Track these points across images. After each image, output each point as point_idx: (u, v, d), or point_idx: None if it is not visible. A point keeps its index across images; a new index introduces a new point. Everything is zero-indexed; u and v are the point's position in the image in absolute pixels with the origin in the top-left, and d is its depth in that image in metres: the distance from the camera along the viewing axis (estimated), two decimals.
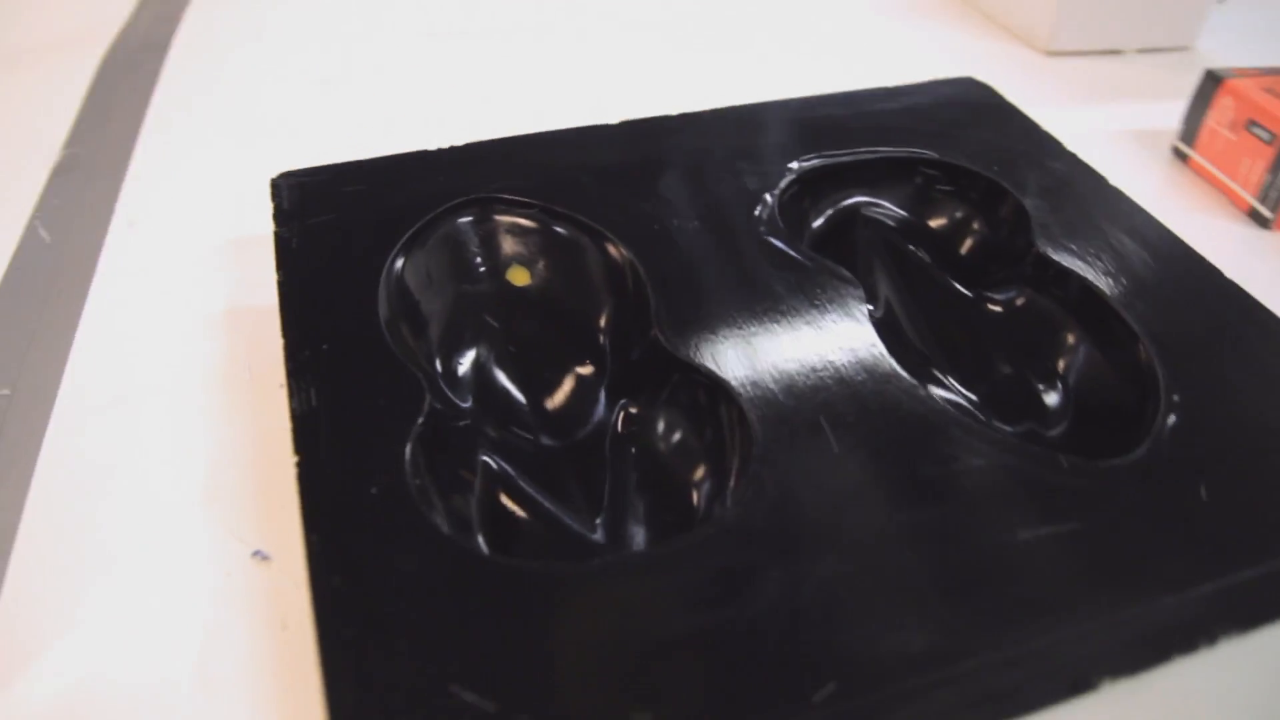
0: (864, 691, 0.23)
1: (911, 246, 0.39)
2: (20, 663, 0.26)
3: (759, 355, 0.31)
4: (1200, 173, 0.50)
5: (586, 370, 0.34)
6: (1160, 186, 0.50)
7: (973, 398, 0.34)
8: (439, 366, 0.33)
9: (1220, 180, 0.49)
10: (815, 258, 0.35)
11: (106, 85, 0.54)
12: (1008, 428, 0.32)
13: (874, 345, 0.31)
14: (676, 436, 0.31)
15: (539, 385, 0.34)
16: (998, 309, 0.37)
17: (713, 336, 0.31)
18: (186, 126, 0.50)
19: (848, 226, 0.39)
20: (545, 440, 0.32)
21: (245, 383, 0.34)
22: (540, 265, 0.37)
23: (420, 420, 0.28)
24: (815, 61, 0.59)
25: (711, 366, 0.30)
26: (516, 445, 0.32)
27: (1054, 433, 0.33)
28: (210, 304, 0.38)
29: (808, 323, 0.32)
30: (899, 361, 0.31)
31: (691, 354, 0.31)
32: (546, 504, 0.30)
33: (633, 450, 0.31)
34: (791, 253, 0.35)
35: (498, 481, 0.30)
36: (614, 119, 0.41)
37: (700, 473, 0.30)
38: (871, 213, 0.40)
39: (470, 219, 0.36)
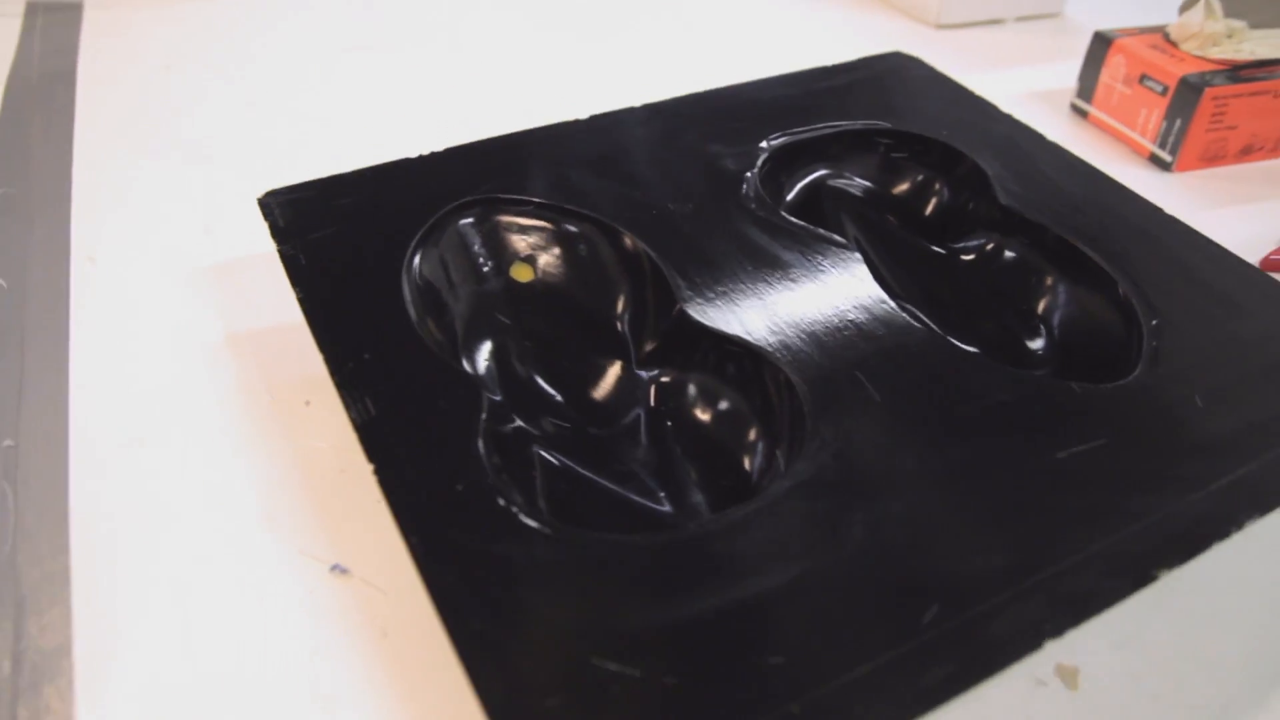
0: (965, 607, 0.25)
1: (879, 213, 0.42)
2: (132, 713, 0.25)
3: (784, 321, 0.32)
4: (1100, 126, 0.55)
5: (609, 356, 0.35)
6: (1066, 141, 0.54)
7: (967, 347, 0.37)
8: (465, 366, 0.34)
9: (1120, 131, 0.54)
10: (808, 227, 0.37)
11: (16, 120, 0.51)
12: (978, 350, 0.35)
13: (884, 301, 0.34)
14: (715, 404, 0.33)
15: (565, 377, 0.35)
16: (969, 258, 0.40)
17: (737, 307, 0.33)
18: (120, 156, 0.48)
19: (817, 199, 0.42)
20: (586, 428, 0.33)
21: (268, 405, 0.34)
22: (544, 260, 0.37)
23: (484, 416, 0.29)
24: (723, 49, 0.61)
25: (744, 335, 0.32)
26: (561, 437, 0.33)
27: (1045, 368, 0.36)
28: (205, 331, 0.37)
29: (820, 286, 0.34)
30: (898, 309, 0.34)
31: (721, 325, 0.32)
32: (608, 485, 0.31)
33: (669, 424, 0.33)
34: (787, 224, 0.37)
35: (555, 472, 0.31)
36: (547, 119, 0.42)
37: (750, 435, 0.31)
38: (837, 184, 0.42)
39: (471, 220, 0.37)
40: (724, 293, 0.33)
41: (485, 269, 0.37)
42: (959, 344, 0.36)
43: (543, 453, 0.31)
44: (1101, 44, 0.54)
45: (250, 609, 0.27)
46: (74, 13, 0.63)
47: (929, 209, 0.42)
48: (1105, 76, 0.54)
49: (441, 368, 0.30)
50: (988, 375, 0.31)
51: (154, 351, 0.36)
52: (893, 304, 0.34)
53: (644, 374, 0.34)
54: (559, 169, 0.39)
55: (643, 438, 0.33)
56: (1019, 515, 0.27)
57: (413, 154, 0.39)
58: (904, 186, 0.42)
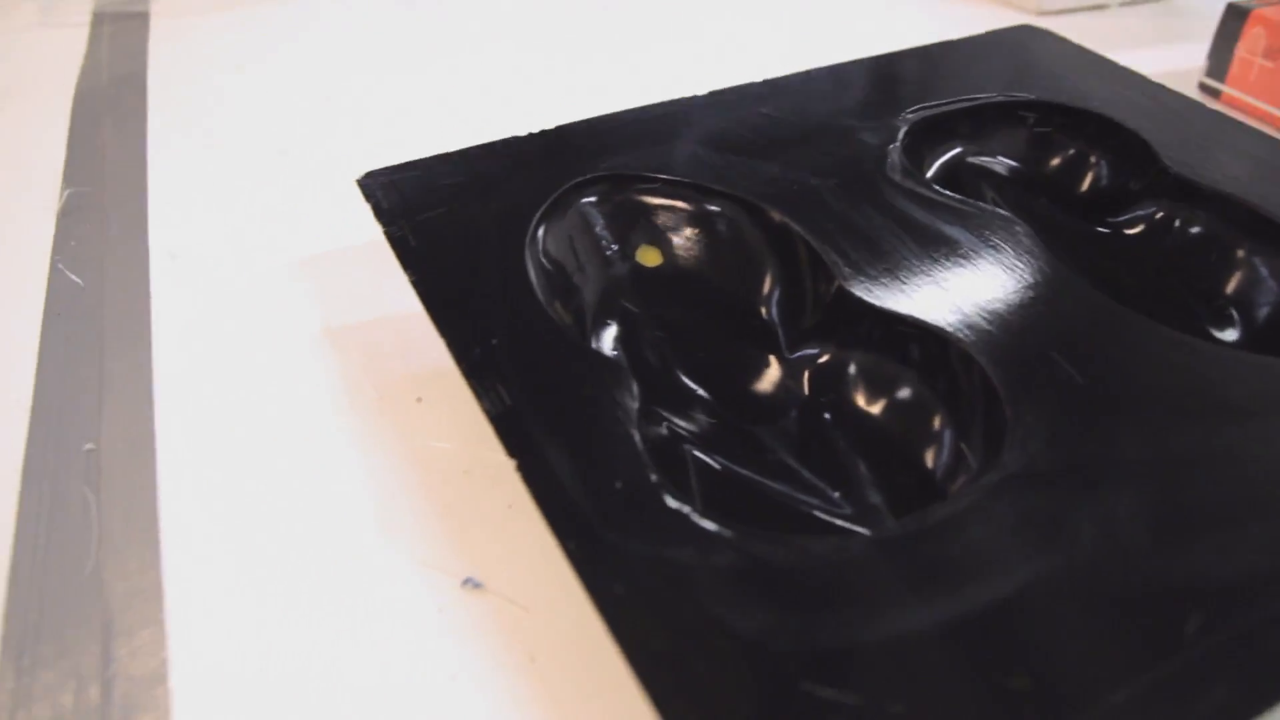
0: (1237, 616, 0.21)
1: (1027, 192, 0.38)
2: None
3: (959, 299, 0.29)
4: (1236, 105, 0.51)
5: (755, 345, 0.31)
6: None
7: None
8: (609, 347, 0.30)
9: (1260, 109, 0.49)
10: (968, 201, 0.33)
11: (88, 123, 0.49)
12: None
13: (1068, 277, 0.30)
14: (887, 391, 0.29)
15: (705, 368, 0.31)
16: (1137, 231, 0.36)
17: (904, 285, 0.29)
18: (196, 154, 0.46)
19: (957, 177, 0.38)
20: (733, 423, 0.30)
21: (374, 402, 0.31)
22: (676, 242, 0.34)
23: (636, 405, 0.25)
24: (810, 39, 0.57)
25: (915, 315, 0.28)
26: (706, 434, 0.29)
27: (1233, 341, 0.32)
28: (299, 327, 0.34)
29: (993, 262, 0.30)
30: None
31: (890, 304, 0.28)
32: (772, 484, 0.27)
33: (828, 415, 0.29)
34: (943, 198, 0.33)
35: (708, 473, 0.27)
36: (655, 98, 0.39)
37: (932, 425, 0.28)
38: (978, 161, 0.38)
39: (594, 199, 0.33)
40: (887, 269, 0.30)
41: (610, 252, 0.33)
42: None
43: (693, 451, 0.28)
44: (1236, 16, 0.50)
45: (372, 630, 0.24)
46: (141, 20, 0.61)
47: (1084, 185, 0.38)
48: (1242, 51, 0.50)
49: (582, 353, 0.27)
50: (1194, 355, 0.27)
51: (244, 348, 0.33)
52: (1077, 279, 0.30)
53: (798, 362, 0.30)
54: (681, 145, 0.35)
55: (801, 431, 0.29)
56: (1268, 510, 0.23)
57: (520, 133, 0.36)
58: (1054, 162, 0.38)
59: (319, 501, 0.27)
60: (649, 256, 0.34)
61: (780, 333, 0.31)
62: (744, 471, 0.27)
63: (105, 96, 0.51)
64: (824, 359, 0.30)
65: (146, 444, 0.30)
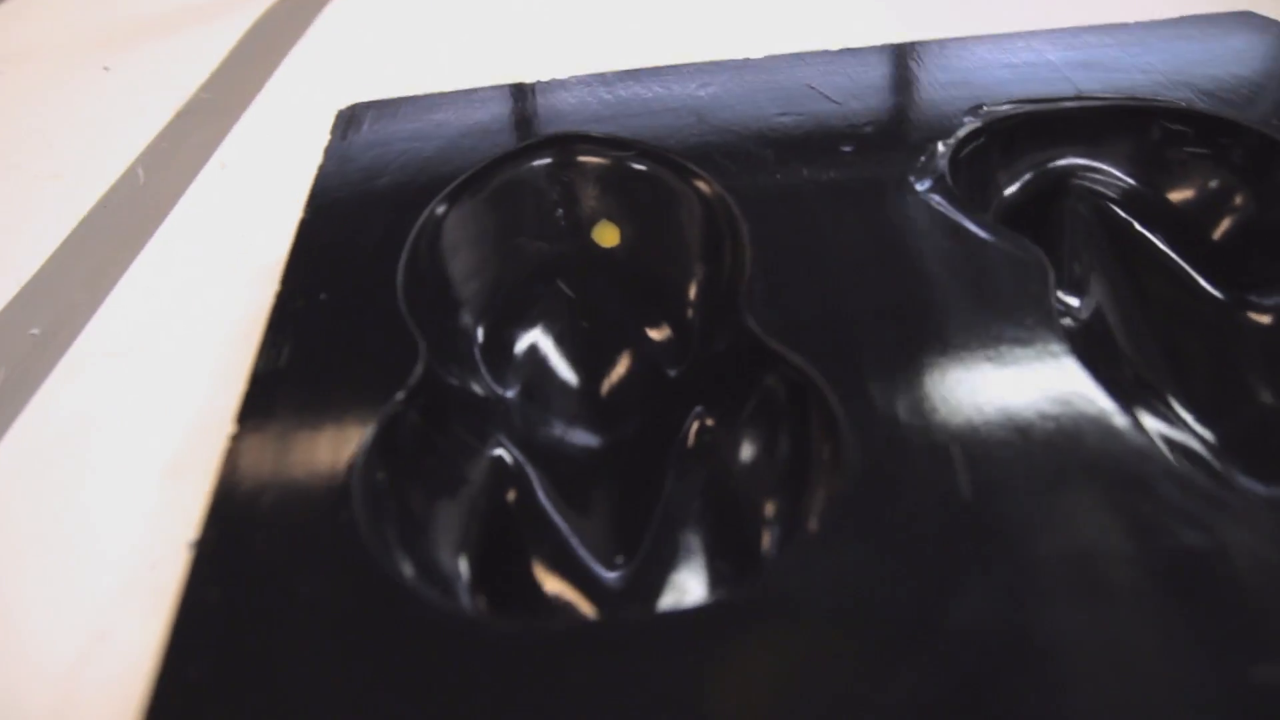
0: None
1: (1141, 227, 0.28)
2: None
3: (888, 354, 0.21)
4: None
5: (665, 355, 0.26)
6: None
7: (1209, 438, 0.23)
8: (481, 336, 0.26)
9: None
10: (995, 228, 0.25)
11: (259, 34, 0.52)
12: (1259, 487, 0.22)
13: (1061, 354, 0.21)
14: (756, 458, 0.22)
15: (602, 367, 0.27)
16: (1264, 319, 0.26)
17: (827, 322, 0.22)
18: (315, 75, 0.47)
19: (1051, 197, 0.29)
20: (588, 436, 0.25)
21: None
22: (635, 222, 0.29)
23: (400, 396, 0.21)
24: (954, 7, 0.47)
25: (805, 359, 0.21)
26: (550, 438, 0.24)
27: None
28: (265, 256, 0.33)
29: (970, 316, 0.22)
30: (1102, 380, 0.21)
31: (788, 341, 0.22)
32: (560, 523, 0.22)
33: (692, 471, 0.23)
34: (961, 220, 0.25)
35: (508, 480, 0.23)
36: (743, 54, 0.33)
37: (770, 504, 0.21)
38: (1088, 180, 0.29)
39: (548, 161, 0.29)
40: (818, 297, 0.23)
41: (553, 225, 0.29)
42: (1193, 432, 0.23)
43: (505, 453, 0.23)
44: None
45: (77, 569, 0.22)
46: None
47: (1219, 230, 0.28)
48: None
49: (395, 328, 0.23)
50: (1186, 495, 0.18)
51: (204, 270, 0.33)
52: (1074, 360, 0.21)
53: (689, 389, 0.25)
54: (683, 114, 0.30)
55: (650, 470, 0.23)
56: None
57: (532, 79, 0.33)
58: (1187, 193, 0.28)
59: (144, 425, 0.26)
60: (606, 235, 0.29)
61: (695, 350, 0.26)
62: (542, 495, 0.23)
63: (289, 11, 0.54)
64: (713, 405, 0.24)
65: (68, 340, 0.30)
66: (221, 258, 0.33)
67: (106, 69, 0.49)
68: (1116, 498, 0.18)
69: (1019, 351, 0.21)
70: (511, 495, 0.23)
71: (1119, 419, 0.19)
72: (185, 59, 0.50)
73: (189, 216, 0.36)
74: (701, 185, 0.27)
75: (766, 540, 0.21)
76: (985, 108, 0.29)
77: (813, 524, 0.19)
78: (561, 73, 0.33)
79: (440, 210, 0.26)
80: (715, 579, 0.21)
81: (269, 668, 0.17)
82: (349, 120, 0.31)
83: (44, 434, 0.27)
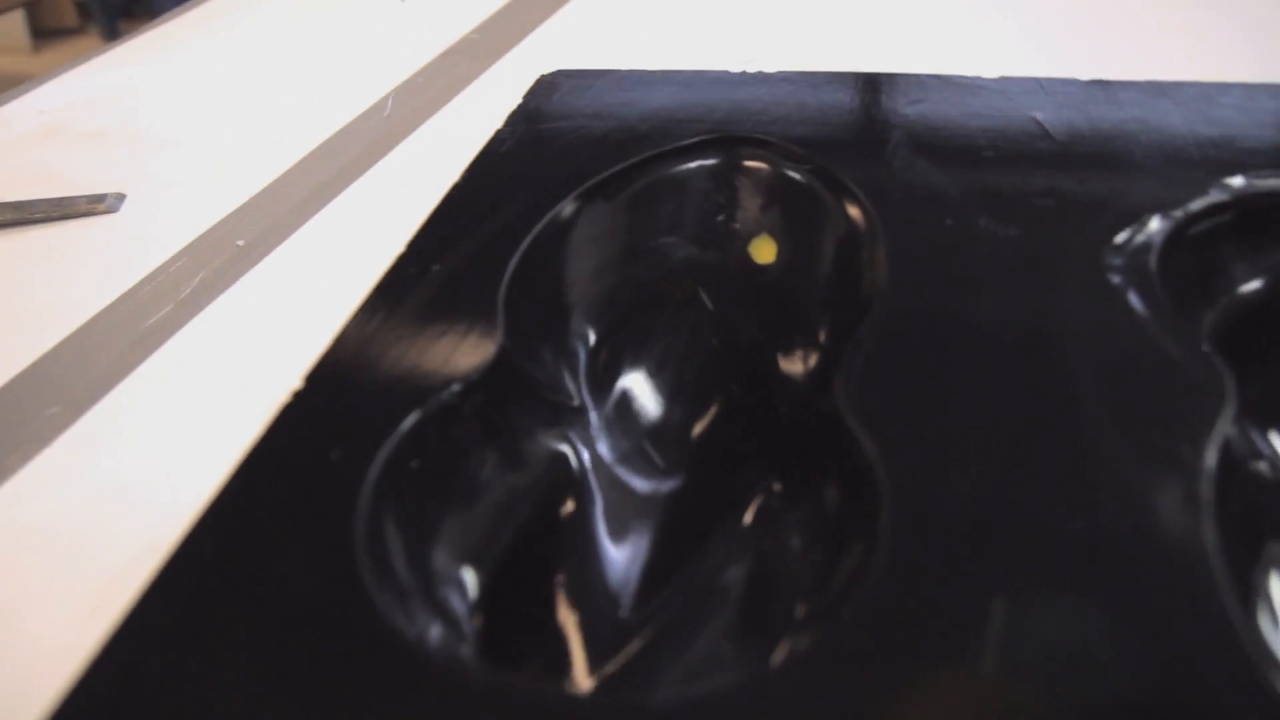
0: None
1: None
2: None
3: (977, 472, 0.18)
4: None
5: (779, 398, 0.24)
6: None
7: None
8: (593, 335, 0.25)
9: None
10: (1194, 346, 0.20)
11: None
12: None
13: (1194, 513, 0.17)
14: (803, 549, 0.20)
15: (710, 396, 0.25)
16: None
17: (929, 414, 0.19)
18: (581, 29, 0.47)
19: None
20: (659, 468, 0.23)
21: None
22: (795, 241, 0.26)
23: (455, 388, 0.21)
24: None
25: (881, 453, 0.18)
26: (624, 461, 0.23)
27: None
28: None
29: (1092, 440, 0.18)
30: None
31: (879, 421, 0.19)
32: (596, 548, 0.21)
33: (742, 541, 0.21)
34: (1154, 325, 0.20)
35: (564, 484, 0.22)
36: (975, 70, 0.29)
37: (796, 601, 0.19)
38: None
39: (715, 161, 0.27)
40: (928, 389, 0.20)
41: (714, 230, 0.27)
42: None
43: (574, 450, 0.22)
44: None
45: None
46: None
47: None
48: None
49: (484, 312, 0.23)
50: None
51: (394, 215, 0.34)
52: (1215, 553, 0.16)
53: (770, 451, 0.22)
54: (889, 132, 0.27)
55: (707, 521, 0.21)
56: None
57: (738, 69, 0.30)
58: None
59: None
60: (763, 250, 0.27)
61: (794, 401, 0.23)
62: (598, 512, 0.21)
63: None
64: (786, 476, 0.21)
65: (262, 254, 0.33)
66: (415, 202, 0.34)
67: (404, 1, 0.52)
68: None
69: (1136, 514, 0.17)
70: (560, 505, 0.22)
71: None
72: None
73: (408, 155, 0.37)
74: (858, 216, 0.24)
75: (778, 638, 0.18)
76: (1246, 176, 0.24)
77: (801, 643, 0.16)
78: (778, 64, 0.31)
79: (569, 208, 0.25)
80: (715, 659, 0.19)
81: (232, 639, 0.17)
82: (546, 87, 0.31)
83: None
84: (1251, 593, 0.18)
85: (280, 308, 0.30)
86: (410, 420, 0.20)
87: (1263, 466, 0.20)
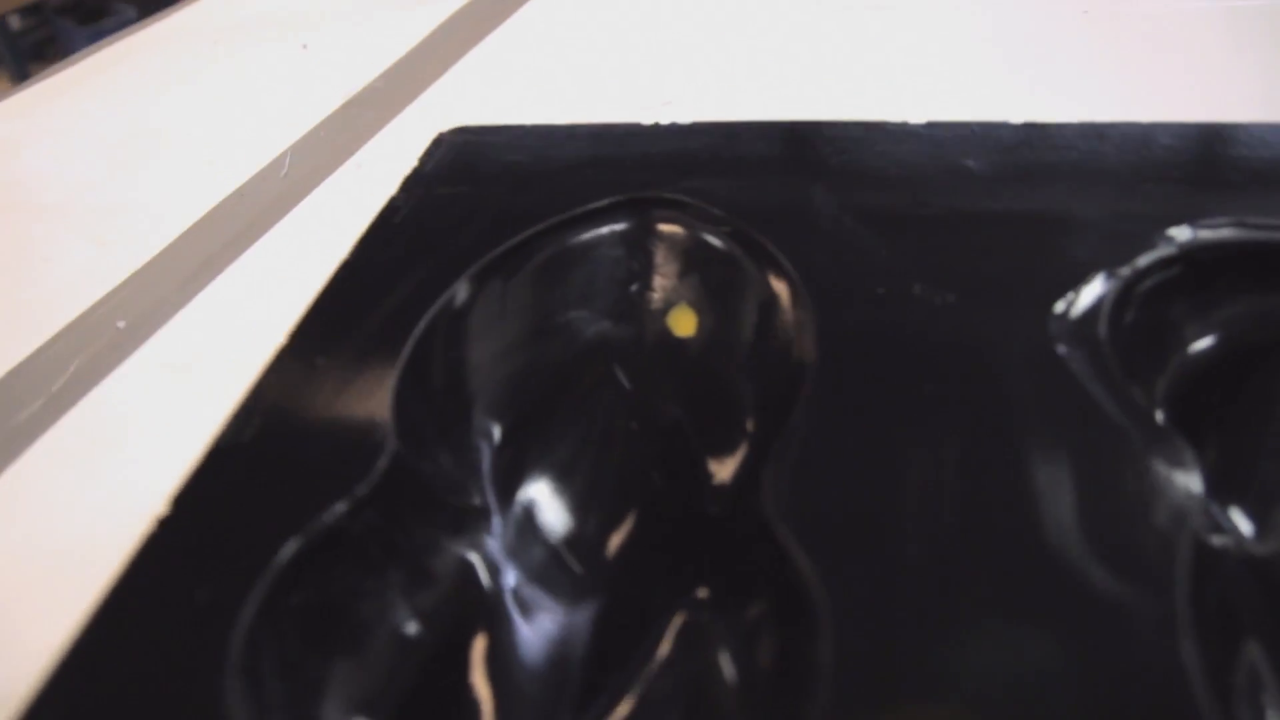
0: None
1: None
2: None
3: (924, 586, 0.16)
4: None
5: (700, 497, 0.22)
6: None
7: None
8: (499, 432, 0.23)
9: None
10: (1144, 418, 0.18)
11: (451, 28, 0.50)
12: None
13: (1166, 628, 0.15)
14: (736, 675, 0.18)
15: (634, 498, 0.22)
16: None
17: (848, 517, 0.17)
18: (490, 73, 0.44)
19: (1267, 362, 0.22)
20: (583, 579, 0.21)
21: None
22: (717, 312, 0.24)
23: (340, 509, 0.18)
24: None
25: (819, 568, 0.16)
26: (538, 569, 0.21)
27: None
28: None
29: (1054, 539, 0.16)
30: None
31: (802, 533, 0.17)
32: (522, 677, 0.19)
33: (672, 665, 0.19)
34: (1092, 389, 0.19)
35: (473, 601, 0.19)
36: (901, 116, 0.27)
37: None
38: None
39: (626, 226, 0.25)
40: (854, 478, 0.18)
41: (627, 302, 0.25)
42: None
43: (478, 561, 0.20)
44: None
45: None
46: None
47: None
48: None
49: (365, 416, 0.20)
50: None
51: (284, 288, 0.31)
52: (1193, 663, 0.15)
53: (694, 553, 0.20)
54: (812, 184, 0.25)
55: (632, 637, 0.19)
56: None
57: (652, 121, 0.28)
58: None
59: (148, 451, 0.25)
60: (682, 322, 0.25)
61: (724, 500, 0.21)
62: (514, 632, 0.19)
63: (489, 6, 0.52)
64: (712, 584, 0.19)
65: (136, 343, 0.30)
66: (311, 276, 0.32)
67: (305, 47, 0.50)
68: None
69: (1113, 628, 0.15)
70: (470, 634, 0.19)
71: None
72: (379, 43, 0.49)
73: (300, 224, 0.35)
74: (783, 291, 0.22)
75: None
76: (1191, 225, 0.22)
77: None
78: (694, 111, 0.29)
79: (462, 290, 0.23)
80: None
81: None
82: (445, 147, 0.29)
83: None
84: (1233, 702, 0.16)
85: (157, 405, 0.27)
86: (289, 549, 0.18)
87: (1230, 545, 0.19)
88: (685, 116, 0.29)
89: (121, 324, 0.31)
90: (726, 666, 0.17)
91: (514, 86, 0.43)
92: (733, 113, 0.29)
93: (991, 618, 0.16)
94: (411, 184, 0.27)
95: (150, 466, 0.24)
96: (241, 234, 0.34)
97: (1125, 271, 0.21)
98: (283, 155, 0.40)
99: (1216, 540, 0.19)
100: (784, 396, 0.20)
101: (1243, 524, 0.19)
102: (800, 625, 0.16)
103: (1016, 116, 0.27)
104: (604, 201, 0.25)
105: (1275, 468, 0.20)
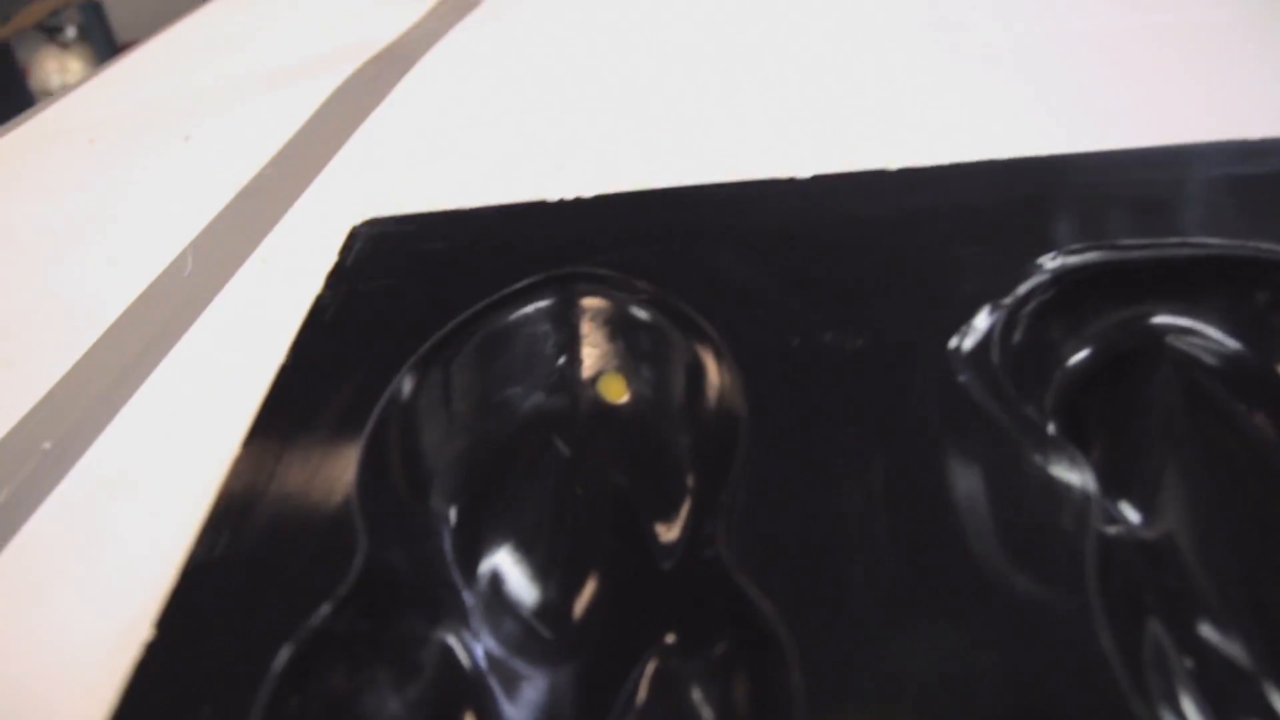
0: None
1: (1245, 407, 0.24)
2: None
3: (867, 605, 0.18)
4: None
5: (652, 552, 0.23)
6: None
7: None
8: (454, 514, 0.24)
9: None
10: (1026, 428, 0.21)
11: (339, 103, 0.51)
12: None
13: (1082, 617, 0.17)
14: (708, 701, 0.19)
15: (588, 561, 0.24)
16: None
17: (799, 555, 0.19)
18: (377, 155, 0.45)
19: (1135, 366, 0.25)
20: (553, 644, 0.22)
21: None
22: (645, 375, 0.26)
23: (325, 610, 0.19)
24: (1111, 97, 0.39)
25: (776, 605, 0.18)
26: (513, 642, 0.22)
27: None
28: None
29: (980, 550, 0.19)
30: (1157, 629, 0.18)
31: (760, 576, 0.19)
32: None
33: (652, 701, 0.20)
34: (993, 413, 0.21)
35: (457, 681, 0.20)
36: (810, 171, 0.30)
37: None
38: (1183, 344, 0.25)
39: (549, 303, 0.27)
40: (809, 516, 0.20)
41: (559, 374, 0.26)
42: None
43: (461, 646, 0.21)
44: None
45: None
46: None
47: None
48: None
49: (340, 517, 0.21)
50: None
51: (212, 400, 0.32)
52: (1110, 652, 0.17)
53: (660, 608, 0.22)
54: (719, 245, 0.27)
55: (611, 697, 0.21)
56: None
57: (553, 197, 0.30)
58: None
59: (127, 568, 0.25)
60: (612, 388, 0.26)
61: (678, 553, 0.23)
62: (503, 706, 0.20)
63: (372, 78, 0.53)
64: (680, 634, 0.21)
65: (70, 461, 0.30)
66: (238, 378, 0.32)
67: (187, 139, 0.50)
68: None
69: (1039, 624, 0.17)
70: (456, 699, 0.21)
71: None
72: (262, 129, 0.49)
73: (217, 323, 0.35)
74: (707, 352, 0.24)
75: None
76: (1058, 252, 0.25)
77: None
78: (584, 180, 0.31)
79: (407, 383, 0.24)
80: None
81: None
82: (361, 240, 0.30)
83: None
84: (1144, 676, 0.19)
85: (103, 525, 0.27)
86: (283, 656, 0.19)
87: (1124, 533, 0.21)
88: (577, 181, 0.31)
89: (47, 445, 0.31)
90: (703, 704, 0.19)
91: (405, 166, 0.44)
92: (620, 173, 0.31)
93: (930, 623, 0.18)
94: (335, 281, 0.28)
95: (107, 589, 0.25)
96: (156, 339, 0.35)
97: (1008, 301, 0.24)
98: (184, 253, 0.40)
99: (1112, 531, 0.22)
100: (720, 450, 0.22)
101: (1131, 514, 0.22)
102: (768, 654, 0.18)
103: (894, 163, 0.29)
104: (523, 283, 0.26)
105: (1152, 460, 0.23)
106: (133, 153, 0.50)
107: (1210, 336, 0.25)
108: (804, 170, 0.30)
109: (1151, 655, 0.19)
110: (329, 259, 0.34)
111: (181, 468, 0.28)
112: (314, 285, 0.33)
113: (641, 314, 0.25)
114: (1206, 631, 0.19)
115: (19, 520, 0.28)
